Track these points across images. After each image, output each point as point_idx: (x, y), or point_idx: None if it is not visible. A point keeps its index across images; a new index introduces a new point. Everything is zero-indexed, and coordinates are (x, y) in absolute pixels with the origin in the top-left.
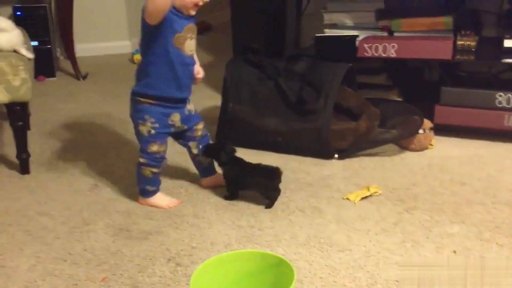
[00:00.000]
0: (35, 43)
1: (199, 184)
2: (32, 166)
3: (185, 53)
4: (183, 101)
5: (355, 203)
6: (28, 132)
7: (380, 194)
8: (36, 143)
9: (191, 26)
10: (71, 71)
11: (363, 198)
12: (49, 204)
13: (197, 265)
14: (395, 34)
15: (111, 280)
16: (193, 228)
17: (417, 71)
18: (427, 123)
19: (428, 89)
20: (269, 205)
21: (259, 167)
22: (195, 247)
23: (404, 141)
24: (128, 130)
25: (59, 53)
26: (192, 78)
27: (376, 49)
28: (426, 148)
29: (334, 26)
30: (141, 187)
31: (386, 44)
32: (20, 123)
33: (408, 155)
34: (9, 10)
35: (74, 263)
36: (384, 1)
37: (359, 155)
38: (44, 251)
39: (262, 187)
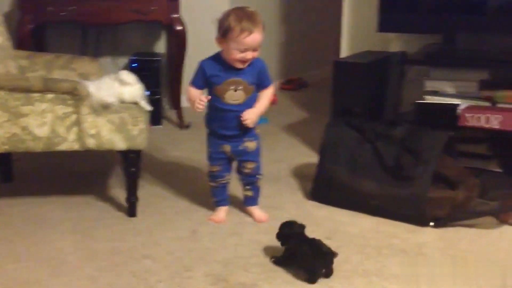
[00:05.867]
0: (147, 93)
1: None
2: (138, 210)
3: (226, 101)
4: (233, 137)
5: None
6: None
7: None
8: (141, 187)
9: (233, 80)
10: (175, 120)
11: None
12: (153, 248)
13: None
14: (499, 105)
15: None
16: (288, 285)
17: None
18: None
19: None
20: None
21: None
22: None
23: (503, 214)
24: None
25: (164, 102)
26: (238, 121)
27: (479, 119)
28: None
29: (435, 93)
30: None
31: (489, 115)
32: (133, 169)
33: (507, 229)
34: (125, 60)
35: None
36: (488, 72)
37: (455, 225)
38: None
39: None
